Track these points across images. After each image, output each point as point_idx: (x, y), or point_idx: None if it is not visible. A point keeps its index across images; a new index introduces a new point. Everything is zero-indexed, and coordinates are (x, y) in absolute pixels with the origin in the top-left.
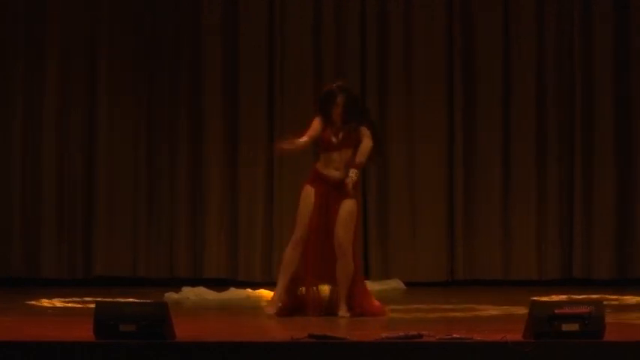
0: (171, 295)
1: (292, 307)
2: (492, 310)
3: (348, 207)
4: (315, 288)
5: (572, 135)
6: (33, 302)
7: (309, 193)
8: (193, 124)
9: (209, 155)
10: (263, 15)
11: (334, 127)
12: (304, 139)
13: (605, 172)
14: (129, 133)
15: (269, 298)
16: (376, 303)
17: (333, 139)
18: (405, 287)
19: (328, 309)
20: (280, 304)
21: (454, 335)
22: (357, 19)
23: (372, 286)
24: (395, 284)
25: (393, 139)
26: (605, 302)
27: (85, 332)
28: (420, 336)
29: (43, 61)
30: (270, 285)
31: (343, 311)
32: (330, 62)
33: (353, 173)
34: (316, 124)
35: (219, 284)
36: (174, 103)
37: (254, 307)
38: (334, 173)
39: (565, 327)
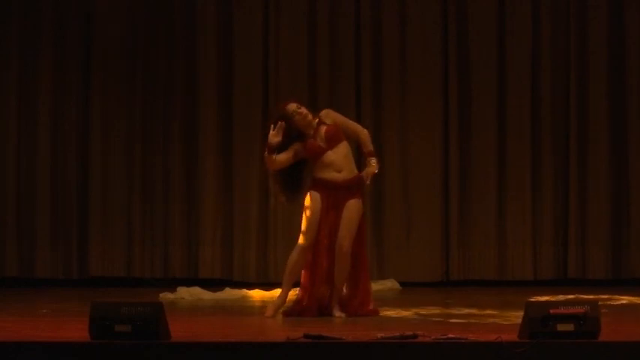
0: (166, 296)
1: (299, 309)
2: (487, 310)
3: (352, 208)
4: (322, 290)
5: (567, 135)
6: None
7: (315, 198)
8: (188, 124)
9: (204, 156)
10: (258, 14)
11: (311, 135)
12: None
13: (599, 172)
14: (123, 133)
15: (268, 300)
16: (372, 306)
17: (320, 143)
18: (400, 287)
19: (326, 310)
20: (285, 307)
21: (449, 335)
22: (352, 16)
23: None
24: (390, 284)
25: (388, 140)
26: (600, 302)
27: (80, 332)
28: (416, 336)
29: (36, 60)
30: (265, 285)
31: (338, 312)
32: (325, 62)
33: (374, 162)
34: (291, 150)
35: (214, 284)
36: (169, 104)
37: (249, 307)
38: (338, 176)
39: (560, 327)
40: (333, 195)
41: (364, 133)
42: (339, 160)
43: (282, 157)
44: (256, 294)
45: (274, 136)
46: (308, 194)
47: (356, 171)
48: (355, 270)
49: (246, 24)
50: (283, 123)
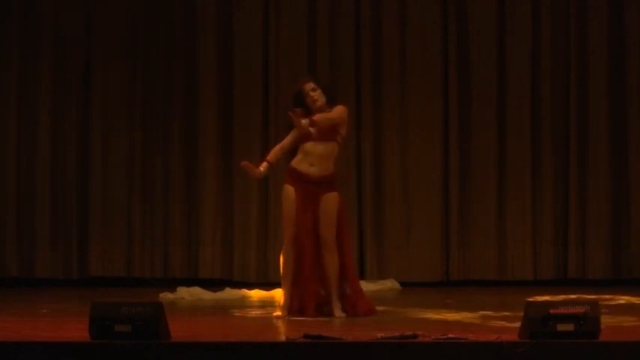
0: (166, 296)
1: (298, 308)
2: (487, 310)
3: (329, 202)
4: (313, 289)
5: (567, 135)
6: None
7: (289, 192)
8: (188, 124)
9: (204, 156)
10: (258, 14)
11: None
12: (278, 147)
13: (599, 172)
14: (123, 133)
15: (268, 300)
16: (369, 302)
17: (313, 129)
18: (400, 287)
19: (325, 310)
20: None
21: (449, 335)
22: (352, 16)
23: (367, 286)
24: (390, 284)
25: (388, 140)
26: (600, 302)
27: (80, 332)
28: (416, 336)
29: (36, 60)
30: (264, 285)
31: (338, 311)
32: (325, 62)
33: (305, 121)
34: (291, 136)
35: (214, 284)
36: (169, 104)
37: (249, 308)
38: (310, 169)
39: (560, 327)
40: (306, 190)
41: (329, 112)
42: (314, 154)
43: (279, 153)
44: (256, 294)
45: (255, 175)
46: (283, 188)
47: (331, 170)
48: (342, 268)
49: (246, 24)
50: (247, 163)
